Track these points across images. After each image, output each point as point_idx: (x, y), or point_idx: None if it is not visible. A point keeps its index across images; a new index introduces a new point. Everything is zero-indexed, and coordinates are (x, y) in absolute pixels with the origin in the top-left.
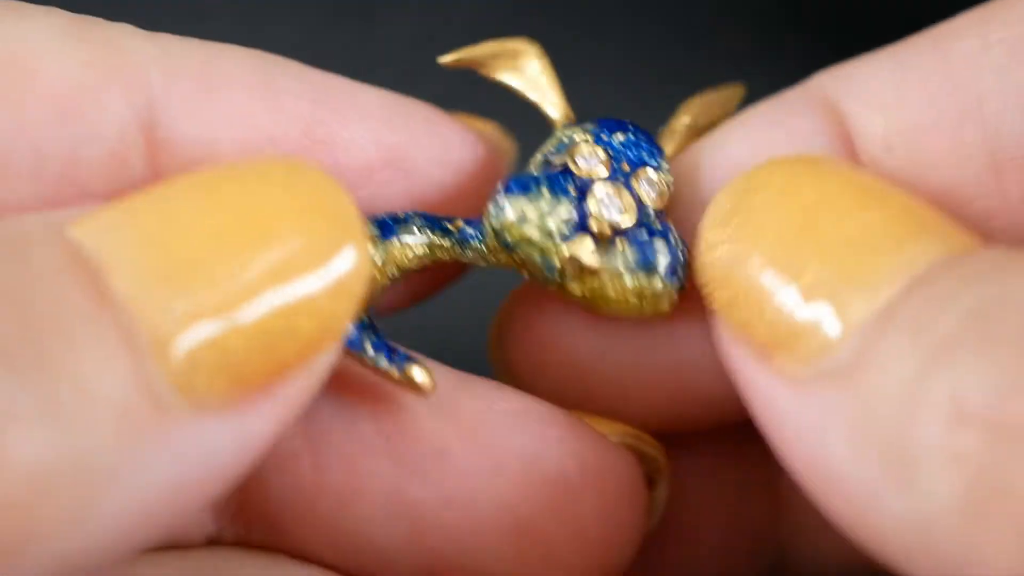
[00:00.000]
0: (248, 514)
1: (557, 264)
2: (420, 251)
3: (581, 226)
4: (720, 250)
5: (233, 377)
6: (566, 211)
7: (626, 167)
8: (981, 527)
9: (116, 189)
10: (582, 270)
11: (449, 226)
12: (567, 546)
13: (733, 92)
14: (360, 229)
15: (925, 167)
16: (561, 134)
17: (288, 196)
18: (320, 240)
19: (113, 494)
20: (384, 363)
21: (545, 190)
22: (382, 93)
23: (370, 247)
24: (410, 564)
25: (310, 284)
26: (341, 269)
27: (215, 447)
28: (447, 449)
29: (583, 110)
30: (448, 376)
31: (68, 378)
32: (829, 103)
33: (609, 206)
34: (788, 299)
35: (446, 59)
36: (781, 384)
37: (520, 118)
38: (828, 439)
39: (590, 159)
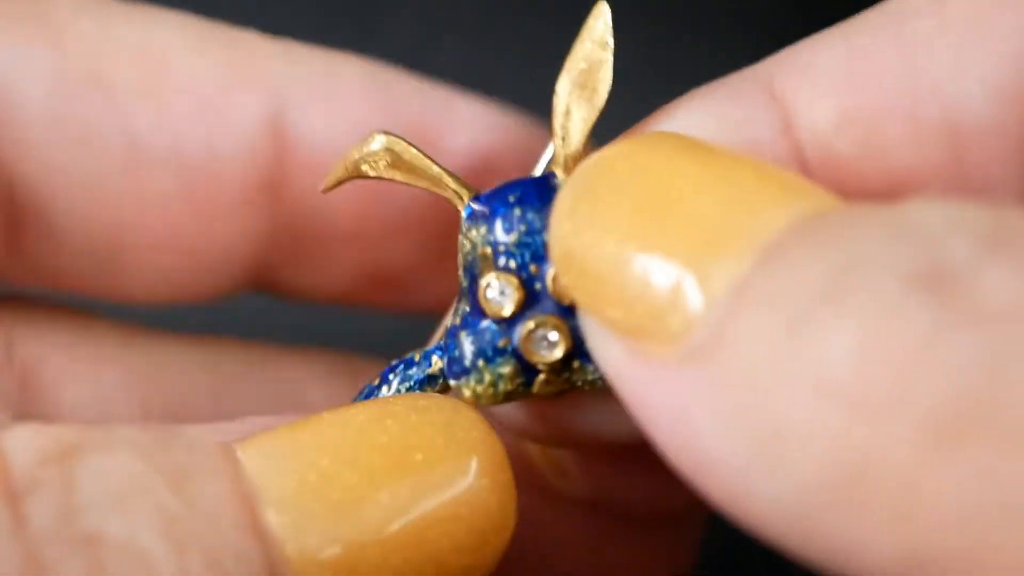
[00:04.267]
0: None
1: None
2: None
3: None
4: (570, 242)
5: None
6: (509, 368)
7: (534, 269)
8: (853, 508)
9: (248, 183)
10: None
11: (429, 371)
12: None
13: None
14: (508, 470)
15: (880, 150)
16: (465, 237)
17: (444, 442)
18: (469, 485)
19: None
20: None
21: (482, 364)
22: (477, 103)
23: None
24: None
25: (458, 517)
26: (492, 503)
27: None
28: None
29: None
30: None
31: None
32: (771, 88)
33: (546, 348)
34: (645, 279)
35: (326, 187)
36: (649, 370)
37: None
38: (696, 422)
39: (505, 293)
